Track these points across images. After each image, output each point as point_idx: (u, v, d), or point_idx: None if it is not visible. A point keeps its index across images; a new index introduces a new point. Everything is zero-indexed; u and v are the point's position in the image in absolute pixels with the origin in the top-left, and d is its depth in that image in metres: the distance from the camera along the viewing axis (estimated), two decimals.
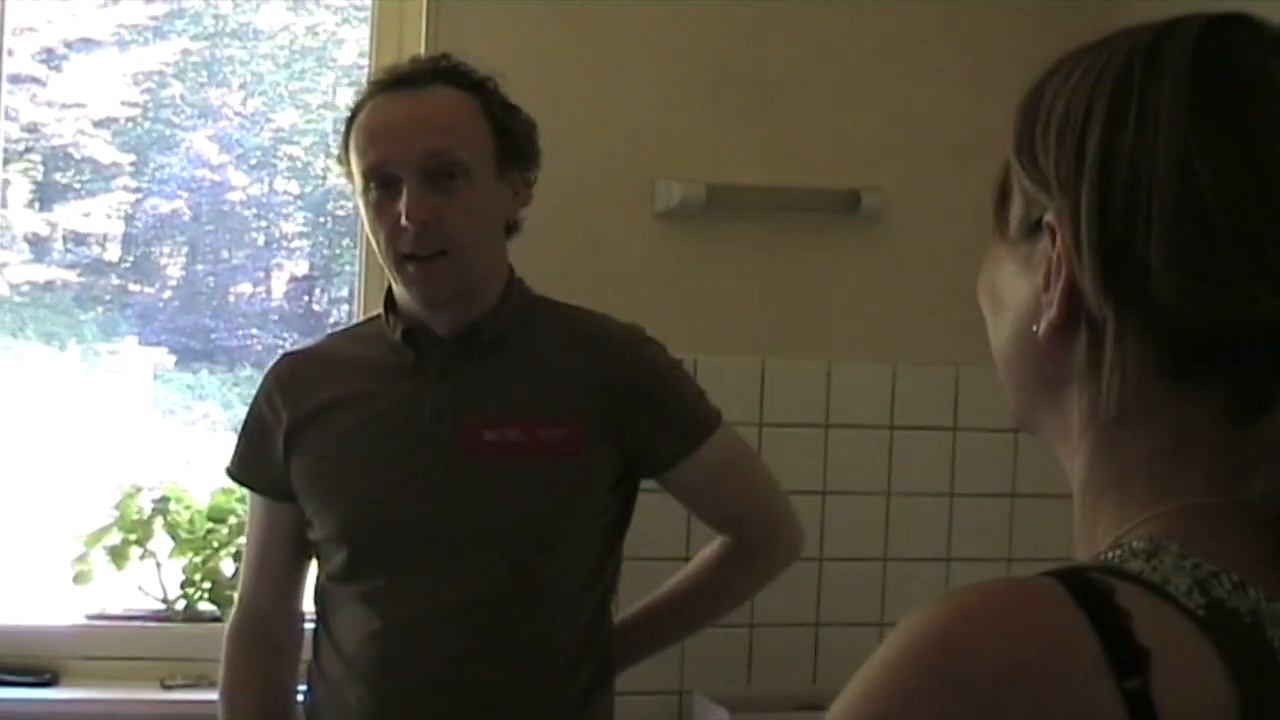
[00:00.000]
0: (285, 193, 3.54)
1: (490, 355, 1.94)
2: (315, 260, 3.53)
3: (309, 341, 2.17)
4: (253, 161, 3.47)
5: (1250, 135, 0.80)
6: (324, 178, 3.41)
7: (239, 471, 2.08)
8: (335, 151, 1.99)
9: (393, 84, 1.92)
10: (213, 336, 3.47)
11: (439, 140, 1.87)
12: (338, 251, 3.42)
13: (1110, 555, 0.79)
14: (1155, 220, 0.79)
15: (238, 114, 3.43)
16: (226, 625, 2.14)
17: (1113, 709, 0.69)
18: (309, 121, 3.47)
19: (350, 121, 1.93)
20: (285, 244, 3.57)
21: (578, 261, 2.81)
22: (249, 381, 3.48)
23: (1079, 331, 0.83)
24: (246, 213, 3.52)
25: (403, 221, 1.84)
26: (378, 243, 1.90)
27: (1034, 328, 0.85)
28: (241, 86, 3.45)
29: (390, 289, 1.99)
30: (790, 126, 2.83)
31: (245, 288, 3.55)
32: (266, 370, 2.06)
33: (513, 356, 1.96)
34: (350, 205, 2.98)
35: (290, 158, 3.52)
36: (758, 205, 2.81)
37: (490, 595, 1.90)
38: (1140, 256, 0.79)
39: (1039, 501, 2.83)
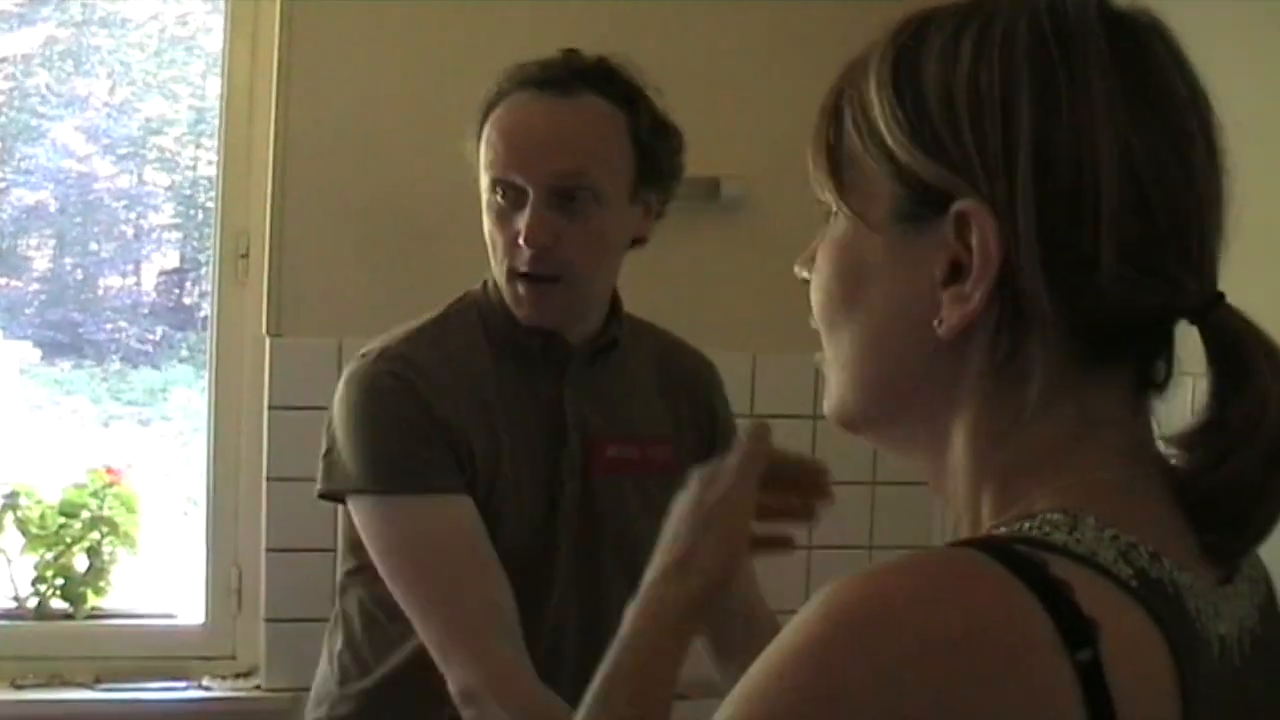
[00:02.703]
0: (154, 184, 3.48)
1: (606, 367, 1.88)
2: (186, 252, 3.47)
3: (396, 334, 1.87)
4: (121, 152, 3.41)
5: (1173, 121, 0.81)
6: (194, 168, 3.36)
7: (408, 479, 1.75)
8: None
9: (539, 83, 1.78)
10: (80, 330, 3.40)
11: (573, 161, 1.76)
12: (209, 244, 3.37)
13: (1024, 527, 0.77)
14: (1103, 210, 0.77)
15: (105, 104, 3.37)
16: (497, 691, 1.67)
17: (1065, 681, 0.68)
18: (178, 112, 3.41)
19: (490, 106, 1.80)
20: (155, 236, 3.51)
21: (457, 249, 2.80)
22: (118, 376, 3.43)
23: (987, 325, 0.80)
24: (115, 204, 3.45)
25: (520, 241, 1.75)
26: (493, 248, 1.80)
27: (935, 322, 0.81)
28: (109, 76, 3.38)
29: (496, 284, 1.87)
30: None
31: (114, 280, 3.49)
32: (373, 368, 1.80)
33: (621, 370, 1.89)
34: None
35: (160, 148, 3.46)
36: None
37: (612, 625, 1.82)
38: (1086, 248, 0.78)
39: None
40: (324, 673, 1.97)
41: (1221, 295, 0.81)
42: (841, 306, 0.87)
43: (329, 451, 1.81)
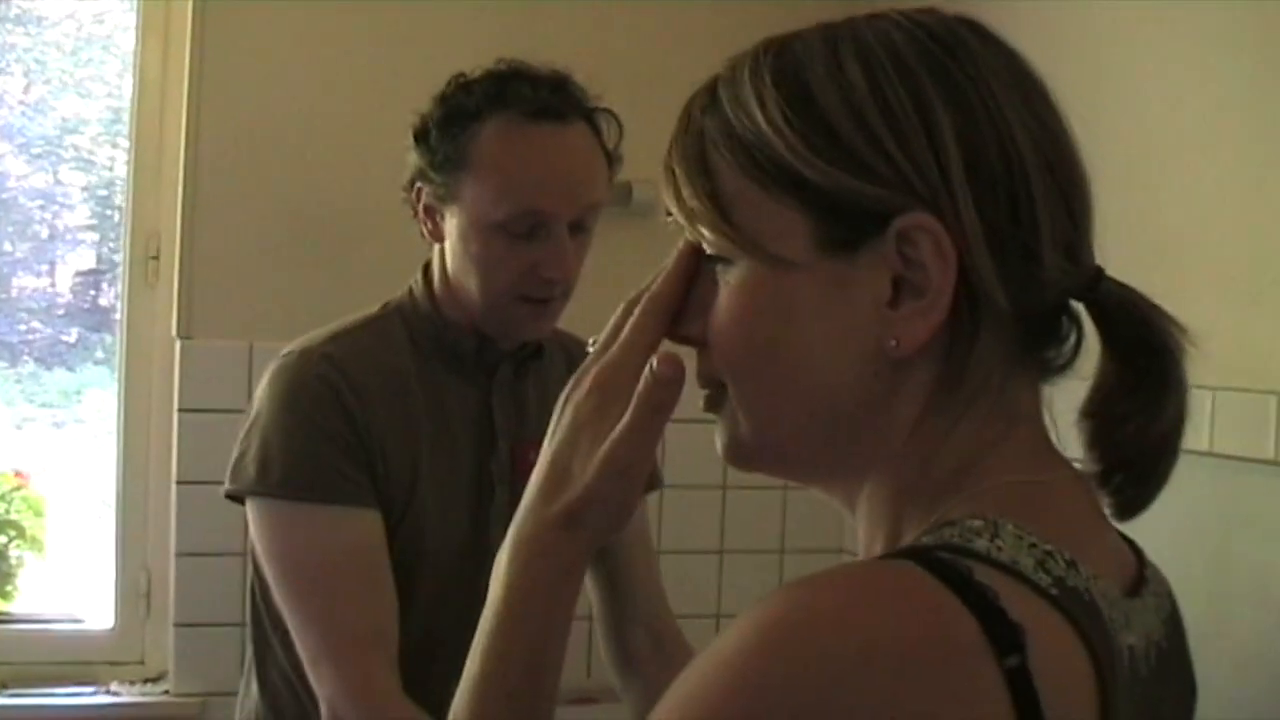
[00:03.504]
0: (70, 184, 3.44)
1: (528, 373, 1.89)
2: (102, 253, 3.44)
3: (319, 336, 1.83)
4: (36, 151, 3.37)
5: (1053, 108, 0.83)
6: (110, 168, 3.33)
7: (307, 486, 1.72)
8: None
9: (537, 112, 1.74)
10: None
11: (598, 191, 1.79)
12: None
13: (946, 535, 0.77)
14: (1036, 203, 0.79)
15: (20, 102, 3.33)
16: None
17: (994, 687, 0.68)
18: (95, 111, 3.38)
19: (472, 131, 1.74)
20: (70, 236, 3.47)
21: (369, 252, 2.80)
22: (32, 379, 3.39)
23: (941, 335, 0.80)
24: (30, 204, 3.41)
25: (547, 273, 1.75)
26: (487, 275, 1.77)
27: (892, 342, 0.79)
28: (25, 74, 3.34)
29: (427, 293, 1.85)
30: None
31: (28, 281, 3.44)
32: (295, 368, 1.77)
33: (540, 375, 1.90)
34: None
35: (75, 148, 3.43)
36: None
37: None
38: (1028, 241, 0.79)
39: None
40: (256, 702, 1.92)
41: (1101, 268, 0.83)
42: (764, 350, 0.83)
43: (243, 454, 1.78)
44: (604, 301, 2.80)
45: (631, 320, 0.91)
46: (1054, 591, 0.73)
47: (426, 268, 1.87)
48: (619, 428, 0.89)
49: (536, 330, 1.84)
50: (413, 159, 1.80)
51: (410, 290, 1.88)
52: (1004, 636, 0.68)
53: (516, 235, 1.74)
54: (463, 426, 1.84)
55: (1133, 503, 0.86)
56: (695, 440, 3.14)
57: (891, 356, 0.80)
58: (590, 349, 0.95)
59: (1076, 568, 0.76)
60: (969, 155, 0.78)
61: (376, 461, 1.75)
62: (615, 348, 0.91)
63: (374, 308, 1.89)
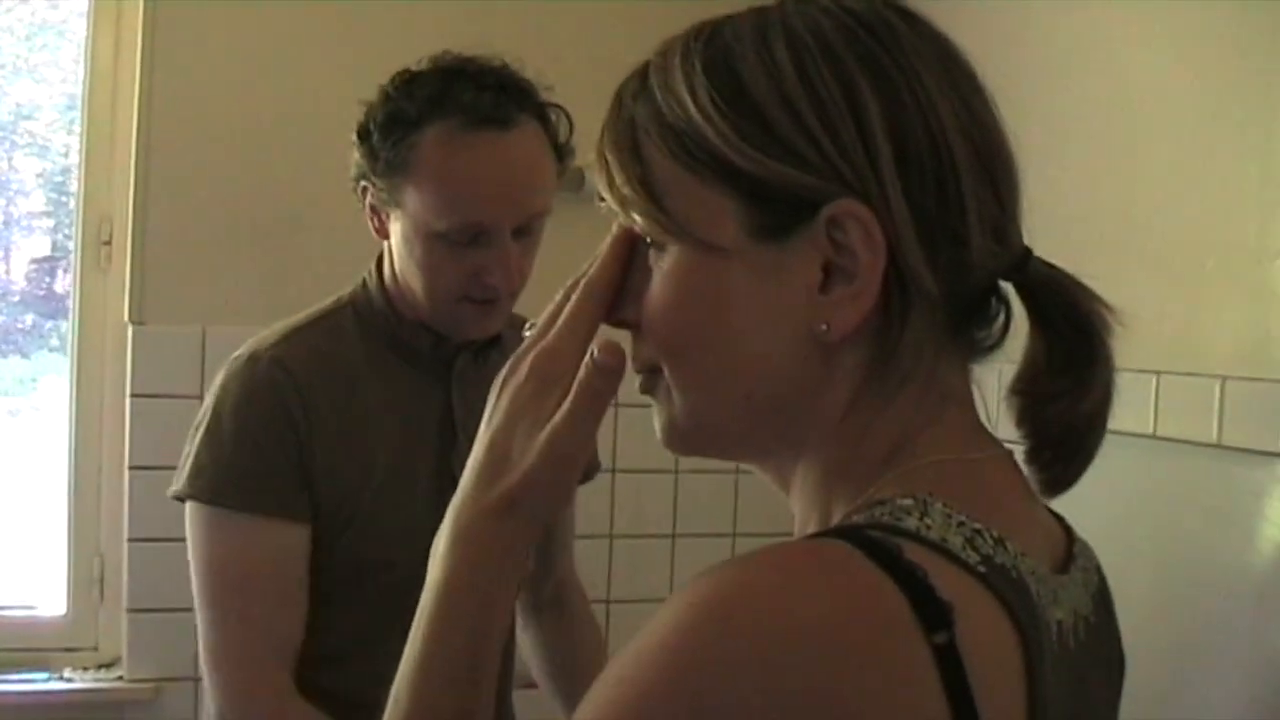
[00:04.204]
0: (24, 170, 3.42)
1: (487, 361, 1.87)
2: (57, 240, 3.41)
3: (269, 338, 1.81)
4: None
5: (980, 89, 0.84)
6: (65, 154, 3.31)
7: (235, 495, 1.72)
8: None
9: (480, 120, 1.69)
10: None
11: (541, 199, 1.75)
12: None
13: (876, 514, 0.77)
14: (964, 186, 0.80)
15: None
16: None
17: (923, 663, 0.68)
18: (49, 97, 3.35)
19: (412, 140, 1.70)
20: (25, 223, 3.44)
21: (321, 236, 2.80)
22: None
23: (871, 319, 0.81)
24: None
25: (489, 279, 1.73)
26: (430, 279, 1.75)
27: (823, 326, 0.80)
28: None
29: (380, 288, 1.84)
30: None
31: None
32: (242, 373, 1.76)
33: (499, 363, 1.87)
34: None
35: (30, 134, 3.40)
36: None
37: None
38: (956, 225, 0.80)
39: None
40: None
41: (1029, 249, 0.85)
42: (698, 335, 0.84)
43: (185, 456, 1.78)
44: (558, 287, 2.83)
45: (569, 306, 0.91)
46: (981, 569, 0.74)
47: (380, 261, 1.85)
48: (559, 414, 0.88)
49: (483, 330, 1.82)
50: (356, 157, 1.77)
51: (364, 283, 1.86)
52: (933, 613, 0.69)
53: (459, 243, 1.72)
54: (422, 423, 1.83)
55: (1060, 479, 0.87)
56: (647, 424, 3.19)
57: (822, 341, 0.81)
58: (527, 333, 0.94)
59: (1004, 545, 0.77)
60: (897, 142, 0.79)
61: (318, 470, 1.74)
62: (553, 333, 0.91)
63: (328, 301, 1.88)
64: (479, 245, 1.72)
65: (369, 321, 1.83)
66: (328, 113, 2.87)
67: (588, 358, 0.88)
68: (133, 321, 2.89)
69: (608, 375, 0.87)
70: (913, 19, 0.84)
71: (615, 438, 2.87)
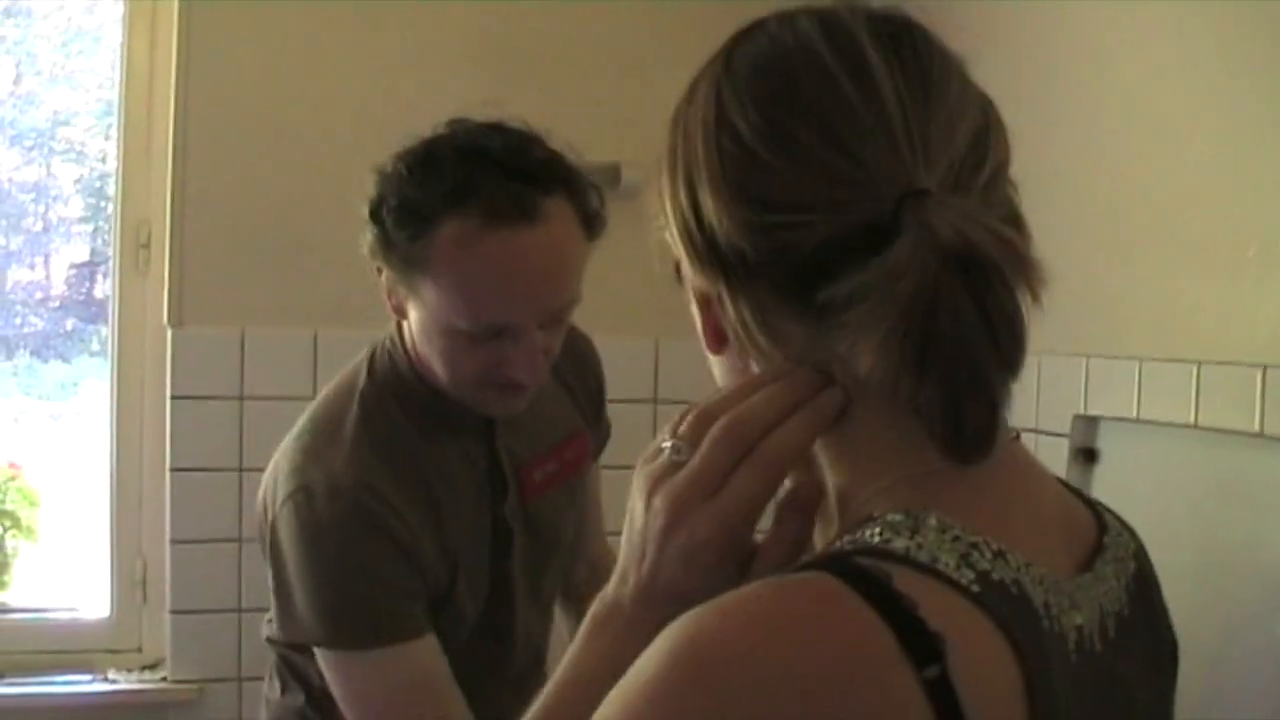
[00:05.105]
0: (62, 176, 3.45)
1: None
2: (95, 245, 3.44)
3: (340, 466, 1.67)
4: (27, 144, 3.37)
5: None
6: (103, 160, 3.33)
7: (368, 635, 1.64)
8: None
9: (504, 218, 1.55)
10: None
11: (569, 291, 1.64)
12: None
13: (868, 535, 0.76)
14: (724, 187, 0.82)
15: (11, 94, 3.34)
16: None
17: (913, 702, 0.67)
18: (86, 103, 3.38)
19: (430, 239, 1.56)
20: (63, 229, 3.47)
21: (353, 239, 2.79)
22: (29, 371, 3.40)
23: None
24: (22, 197, 3.42)
25: (513, 374, 1.64)
26: (451, 371, 1.66)
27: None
28: (15, 66, 3.35)
29: (408, 363, 1.73)
30: (550, 99, 2.84)
31: (22, 274, 3.45)
32: (333, 510, 1.63)
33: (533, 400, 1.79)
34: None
35: (67, 140, 3.43)
36: None
37: (549, 611, 1.93)
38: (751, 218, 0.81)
39: None
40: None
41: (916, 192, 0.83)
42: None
43: (282, 590, 1.67)
44: (594, 281, 2.86)
45: (749, 466, 0.83)
46: (975, 589, 0.73)
47: (400, 331, 1.75)
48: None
49: (509, 410, 1.73)
50: (368, 235, 1.65)
51: (389, 357, 1.75)
52: (923, 647, 0.68)
53: (480, 339, 1.62)
54: (474, 485, 1.77)
55: (980, 440, 0.78)
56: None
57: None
58: (666, 446, 0.86)
59: (1005, 558, 0.76)
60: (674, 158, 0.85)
61: (423, 572, 1.68)
62: (735, 488, 0.83)
63: (344, 384, 1.77)
64: (501, 338, 1.62)
65: (409, 403, 1.73)
66: (363, 113, 2.91)
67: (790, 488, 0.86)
68: (172, 324, 2.91)
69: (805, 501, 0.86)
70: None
71: (655, 426, 2.86)
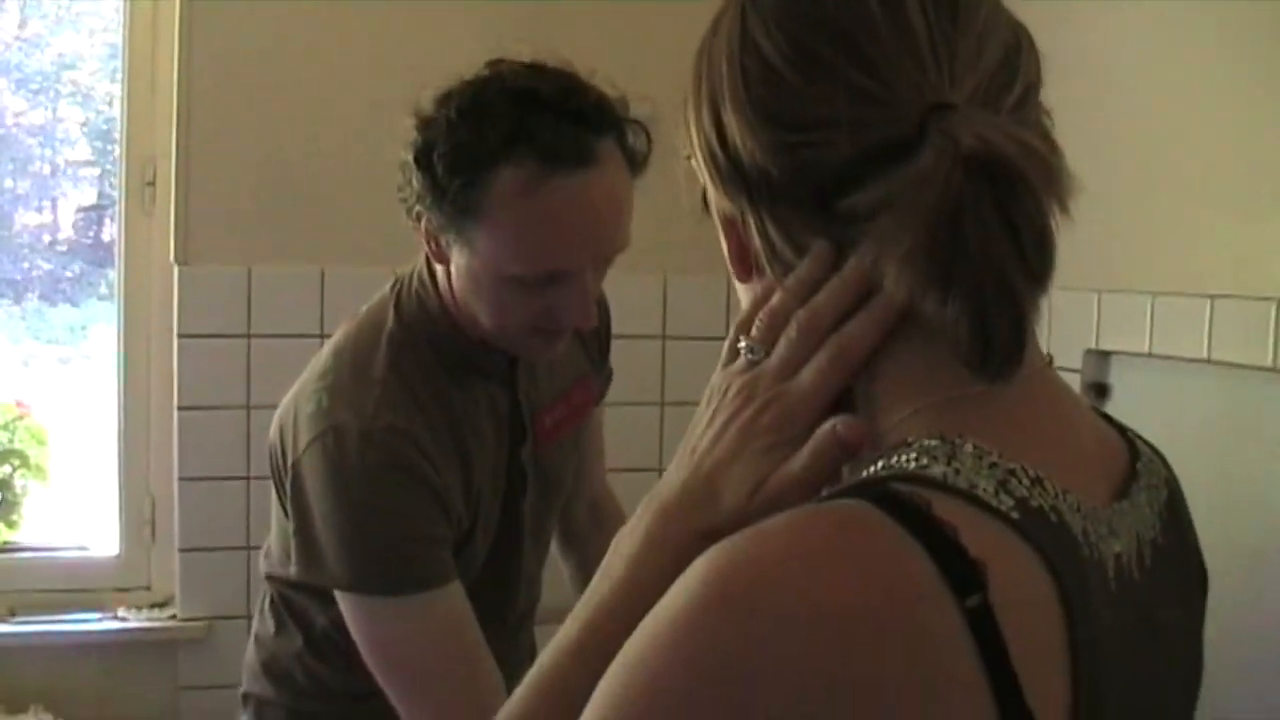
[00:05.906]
0: (69, 119, 3.44)
1: None
2: (102, 188, 3.44)
3: (371, 406, 1.63)
4: (33, 87, 3.36)
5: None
6: (109, 103, 3.32)
7: (397, 583, 1.61)
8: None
9: (558, 159, 1.52)
10: None
11: (624, 236, 1.62)
12: None
13: (903, 460, 0.75)
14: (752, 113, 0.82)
15: (16, 38, 3.32)
16: None
17: (954, 631, 0.66)
18: (91, 46, 3.37)
19: (485, 180, 1.53)
20: (70, 172, 3.47)
21: (363, 175, 2.79)
22: (37, 315, 3.40)
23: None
24: (29, 140, 3.41)
25: (565, 319, 1.63)
26: (499, 318, 1.64)
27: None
28: (20, 9, 3.33)
29: (442, 310, 1.70)
30: (558, 31, 2.84)
31: (30, 218, 3.45)
32: (363, 453, 1.60)
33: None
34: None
35: (73, 83, 3.42)
36: None
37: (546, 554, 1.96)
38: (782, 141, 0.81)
39: None
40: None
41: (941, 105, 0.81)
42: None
43: (306, 533, 1.64)
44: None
45: (825, 360, 0.83)
46: (1015, 515, 0.72)
47: (432, 273, 1.72)
48: (789, 471, 0.83)
49: (549, 355, 1.73)
50: (412, 181, 1.60)
51: (418, 299, 1.72)
52: (963, 576, 0.67)
53: (533, 285, 1.60)
54: (496, 428, 1.76)
55: (1008, 359, 0.76)
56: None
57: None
58: (742, 346, 0.88)
59: (1043, 484, 0.75)
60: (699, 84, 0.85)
61: (450, 517, 1.66)
62: (807, 381, 0.84)
63: (371, 319, 1.74)
64: (555, 284, 1.60)
65: (442, 348, 1.71)
66: (369, 50, 2.90)
67: (829, 426, 0.82)
68: (178, 263, 2.90)
69: (847, 451, 0.82)
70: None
71: (664, 362, 2.87)
